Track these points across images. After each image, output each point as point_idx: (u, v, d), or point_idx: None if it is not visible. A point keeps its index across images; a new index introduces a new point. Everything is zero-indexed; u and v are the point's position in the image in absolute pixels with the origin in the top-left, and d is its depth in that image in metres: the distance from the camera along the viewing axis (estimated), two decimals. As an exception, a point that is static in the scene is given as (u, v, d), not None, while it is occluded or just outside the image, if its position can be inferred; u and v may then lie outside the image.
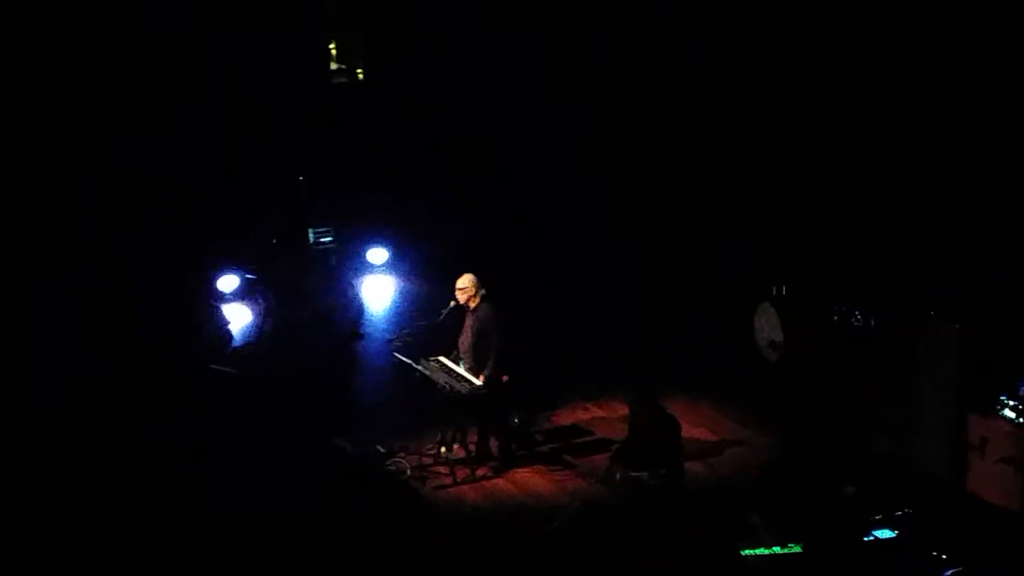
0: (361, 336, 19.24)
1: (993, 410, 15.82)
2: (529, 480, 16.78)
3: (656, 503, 15.47)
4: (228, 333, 18.08)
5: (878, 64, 19.46)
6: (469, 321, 17.05)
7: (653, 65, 20.86)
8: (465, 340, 17.07)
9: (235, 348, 18.13)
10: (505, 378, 16.89)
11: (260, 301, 18.52)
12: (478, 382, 16.74)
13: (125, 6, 18.08)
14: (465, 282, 16.97)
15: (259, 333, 18.47)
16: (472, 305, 17.04)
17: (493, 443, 17.24)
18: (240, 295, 18.27)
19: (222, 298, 18.10)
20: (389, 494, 16.45)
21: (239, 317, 18.28)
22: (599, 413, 18.72)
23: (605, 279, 20.71)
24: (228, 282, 18.09)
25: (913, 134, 18.87)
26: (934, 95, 18.76)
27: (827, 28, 19.75)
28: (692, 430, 17.39)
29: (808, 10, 19.88)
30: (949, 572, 13.35)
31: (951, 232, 17.79)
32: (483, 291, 17.06)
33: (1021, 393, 15.59)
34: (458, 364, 17.04)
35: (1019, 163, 17.54)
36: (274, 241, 19.44)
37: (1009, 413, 15.59)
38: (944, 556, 13.55)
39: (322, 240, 19.99)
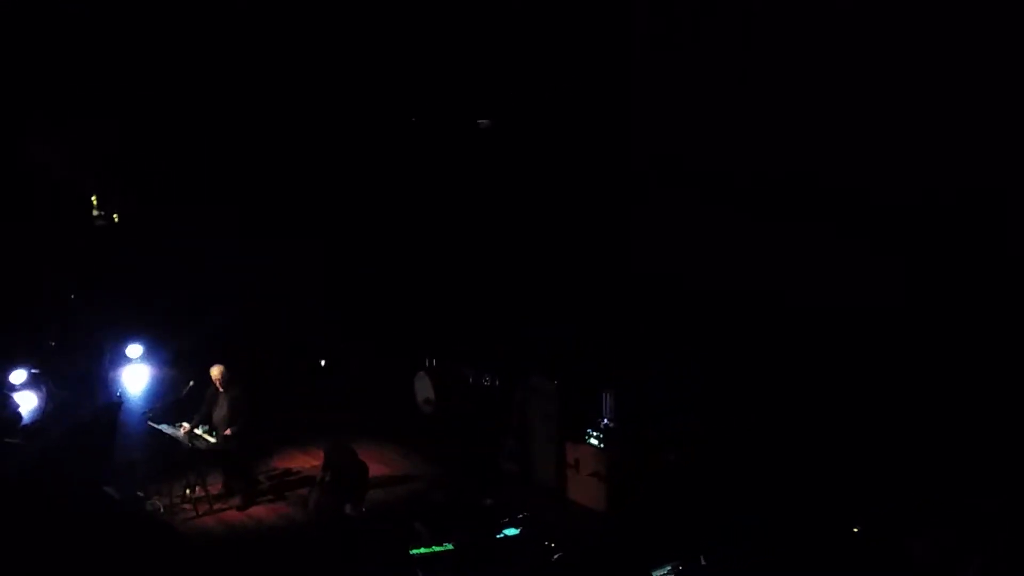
0: (121, 403, 18.59)
1: (583, 439, 17.04)
2: (253, 509, 17.39)
3: (349, 523, 16.35)
4: (18, 414, 17.87)
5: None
6: (223, 398, 17.49)
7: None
8: (220, 412, 17.43)
9: (24, 425, 17.83)
10: (210, 439, 17.25)
11: (43, 388, 18.29)
12: (213, 440, 17.21)
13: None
14: (217, 372, 17.47)
15: (43, 413, 18.18)
16: (224, 387, 17.49)
17: (229, 483, 17.66)
18: (27, 385, 18.14)
19: (13, 388, 17.98)
20: (148, 528, 16.85)
21: (27, 402, 18.10)
22: (305, 458, 19.10)
23: (305, 359, 21.72)
24: (17, 376, 18.02)
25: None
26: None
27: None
28: (375, 466, 18.01)
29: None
30: (556, 556, 14.15)
31: (546, 318, 19.10)
32: (230, 376, 17.52)
33: (601, 427, 16.84)
34: (211, 431, 17.33)
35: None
36: (52, 344, 19.17)
37: (594, 441, 16.90)
38: (553, 545, 14.37)
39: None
